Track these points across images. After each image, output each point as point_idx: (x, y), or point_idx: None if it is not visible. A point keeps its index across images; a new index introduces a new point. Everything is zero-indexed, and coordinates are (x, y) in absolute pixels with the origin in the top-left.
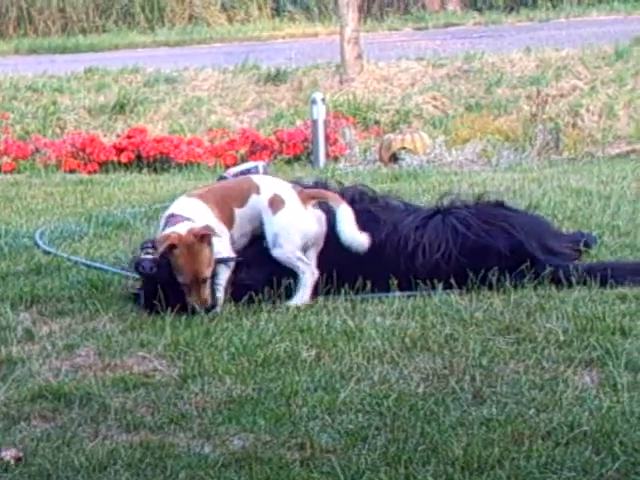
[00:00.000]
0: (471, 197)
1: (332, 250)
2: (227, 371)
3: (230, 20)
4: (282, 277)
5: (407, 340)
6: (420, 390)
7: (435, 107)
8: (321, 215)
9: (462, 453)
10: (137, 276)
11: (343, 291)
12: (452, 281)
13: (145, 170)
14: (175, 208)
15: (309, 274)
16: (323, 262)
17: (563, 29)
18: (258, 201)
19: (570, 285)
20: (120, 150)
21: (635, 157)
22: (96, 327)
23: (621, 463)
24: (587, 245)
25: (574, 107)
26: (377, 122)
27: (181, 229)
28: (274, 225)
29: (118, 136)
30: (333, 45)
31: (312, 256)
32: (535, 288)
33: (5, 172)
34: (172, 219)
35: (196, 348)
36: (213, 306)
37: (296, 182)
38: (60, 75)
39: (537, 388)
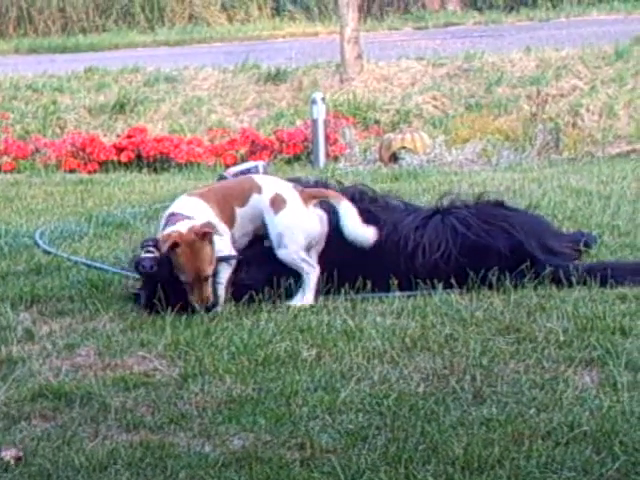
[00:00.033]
0: (471, 197)
1: (332, 250)
2: (227, 371)
3: (230, 20)
4: (282, 277)
5: (407, 340)
6: (420, 390)
7: (435, 107)
8: (323, 215)
9: (462, 453)
10: (137, 276)
11: (343, 291)
12: (452, 281)
13: (145, 170)
14: (176, 207)
15: (313, 275)
16: (323, 262)
17: (563, 29)
18: (259, 201)
19: (570, 285)
20: (120, 150)
21: (635, 157)
22: (96, 327)
23: (621, 463)
24: (587, 245)
25: (574, 107)
26: (377, 122)
27: (182, 227)
28: (277, 225)
29: (118, 136)
30: (333, 45)
31: (313, 256)
32: (535, 288)
33: (5, 172)
34: (173, 218)
35: (196, 348)
36: (214, 305)
37: (296, 180)
38: (60, 75)
39: (537, 388)
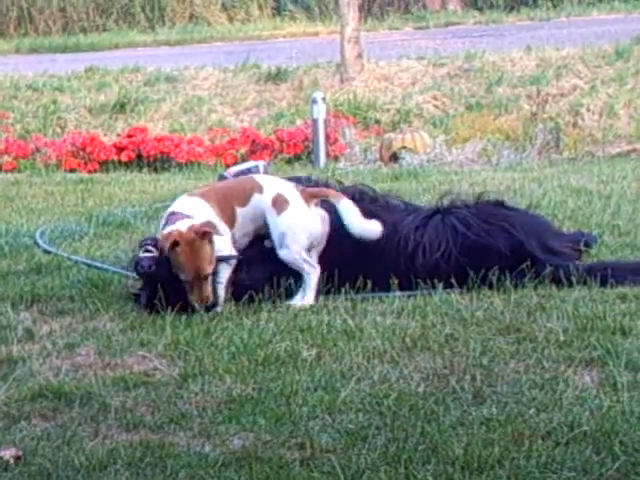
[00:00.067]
0: (471, 196)
1: (333, 250)
2: (227, 370)
3: (231, 19)
4: (282, 277)
5: (407, 340)
6: (420, 390)
7: (435, 106)
8: (325, 215)
9: (462, 453)
10: (137, 276)
11: (343, 290)
12: (452, 281)
13: (145, 169)
14: (176, 206)
15: (314, 275)
16: (323, 262)
17: (563, 28)
18: (261, 200)
19: (570, 285)
20: (120, 149)
21: (635, 156)
22: (96, 326)
23: (621, 463)
24: (587, 245)
25: (574, 106)
26: (377, 121)
27: (182, 226)
28: (280, 225)
29: (118, 135)
30: (333, 44)
31: (314, 256)
32: (535, 288)
33: (6, 171)
34: (172, 217)
35: (196, 347)
36: (214, 304)
37: (296, 179)
38: (61, 74)
39: (537, 388)
